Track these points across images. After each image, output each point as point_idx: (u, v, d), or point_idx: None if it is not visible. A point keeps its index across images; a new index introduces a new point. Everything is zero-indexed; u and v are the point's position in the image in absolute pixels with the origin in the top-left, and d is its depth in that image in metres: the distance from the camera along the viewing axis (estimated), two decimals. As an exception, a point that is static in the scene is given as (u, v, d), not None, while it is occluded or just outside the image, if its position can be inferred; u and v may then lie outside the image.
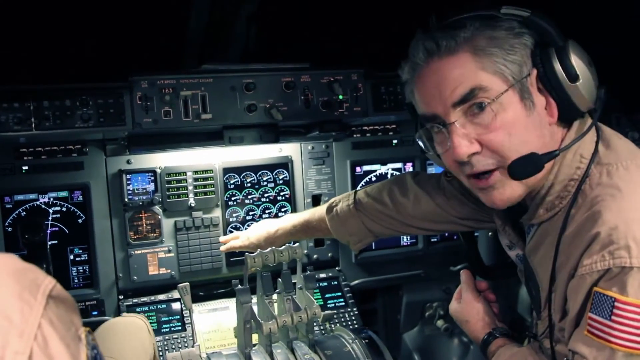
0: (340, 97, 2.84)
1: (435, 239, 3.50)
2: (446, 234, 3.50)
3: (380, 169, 3.35)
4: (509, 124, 1.72)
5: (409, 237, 3.44)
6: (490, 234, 3.15)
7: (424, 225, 2.49)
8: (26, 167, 2.82)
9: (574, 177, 1.74)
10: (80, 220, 2.92)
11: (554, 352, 1.79)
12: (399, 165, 3.38)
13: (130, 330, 2.55)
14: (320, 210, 2.71)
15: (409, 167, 3.39)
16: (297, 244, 2.79)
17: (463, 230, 2.60)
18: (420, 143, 1.95)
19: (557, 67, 1.70)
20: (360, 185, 3.29)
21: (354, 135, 3.30)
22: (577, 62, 1.70)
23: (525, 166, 1.73)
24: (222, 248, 2.98)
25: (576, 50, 1.71)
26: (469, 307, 2.23)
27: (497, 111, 1.71)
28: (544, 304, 1.84)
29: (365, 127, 3.31)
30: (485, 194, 1.82)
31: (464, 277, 2.32)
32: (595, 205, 1.64)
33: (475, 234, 3.04)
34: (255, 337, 2.60)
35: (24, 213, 2.82)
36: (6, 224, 2.80)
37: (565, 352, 1.69)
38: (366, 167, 3.33)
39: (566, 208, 1.74)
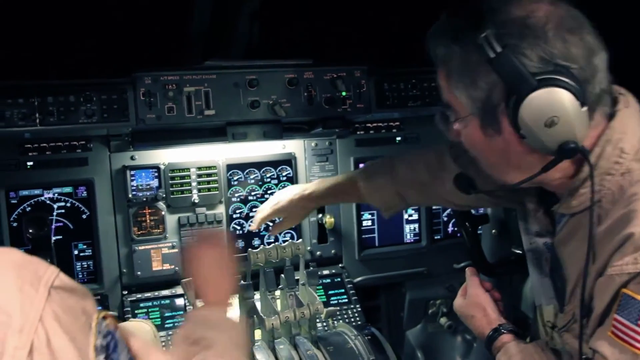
0: (344, 93, 2.84)
1: (439, 237, 3.50)
2: (449, 231, 3.50)
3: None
4: (470, 143, 1.82)
5: (412, 235, 3.44)
6: (493, 231, 3.15)
7: (457, 201, 2.46)
8: (31, 163, 2.83)
9: (611, 171, 1.69)
10: (84, 216, 2.93)
11: (581, 347, 1.77)
12: (402, 162, 3.37)
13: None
14: (353, 175, 2.68)
15: (412, 164, 3.38)
16: (300, 240, 2.80)
17: (494, 207, 2.56)
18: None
19: (507, 119, 1.66)
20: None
21: (358, 133, 3.29)
22: (529, 120, 1.61)
23: (463, 184, 2.01)
24: (253, 226, 2.90)
25: (536, 106, 1.60)
26: (474, 303, 2.20)
27: (461, 128, 1.80)
28: (569, 297, 1.80)
29: (369, 124, 3.30)
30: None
31: (469, 274, 2.31)
32: (632, 204, 1.61)
33: (479, 232, 3.04)
34: (258, 334, 2.62)
35: (29, 208, 2.84)
36: (11, 219, 2.81)
37: (585, 349, 1.67)
38: (370, 164, 3.32)
39: (601, 202, 1.70)
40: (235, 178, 3.12)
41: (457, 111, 1.78)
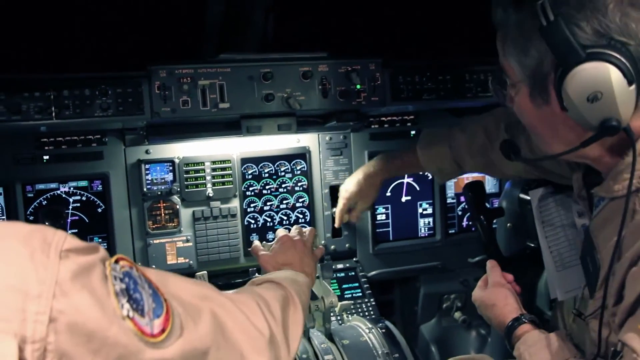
0: (358, 86, 2.83)
1: (453, 231, 3.49)
2: (464, 225, 3.49)
3: (399, 160, 3.33)
4: (520, 110, 1.81)
5: (426, 229, 3.43)
6: (509, 225, 3.13)
7: (506, 170, 2.53)
8: (47, 157, 2.85)
9: None
10: (99, 210, 2.94)
11: (600, 335, 1.75)
12: (417, 156, 3.36)
13: None
14: (413, 145, 2.78)
15: (427, 158, 3.37)
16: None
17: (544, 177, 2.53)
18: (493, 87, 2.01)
19: (553, 90, 1.65)
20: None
21: (372, 126, 3.29)
22: (572, 93, 1.59)
23: (506, 150, 1.94)
24: (337, 224, 3.12)
25: (580, 80, 1.58)
26: (496, 292, 2.18)
27: (513, 95, 1.79)
28: (601, 284, 1.75)
29: (383, 118, 3.29)
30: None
31: (490, 265, 2.30)
32: None
33: (494, 225, 3.03)
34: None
35: (45, 202, 2.85)
36: (28, 212, 2.83)
37: (614, 339, 1.64)
38: (384, 158, 3.31)
39: None
40: (249, 172, 3.12)
41: (510, 77, 1.79)
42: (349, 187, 2.97)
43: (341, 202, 3.01)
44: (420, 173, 3.36)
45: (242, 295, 1.63)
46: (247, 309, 1.51)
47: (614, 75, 1.55)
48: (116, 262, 1.11)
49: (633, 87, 1.57)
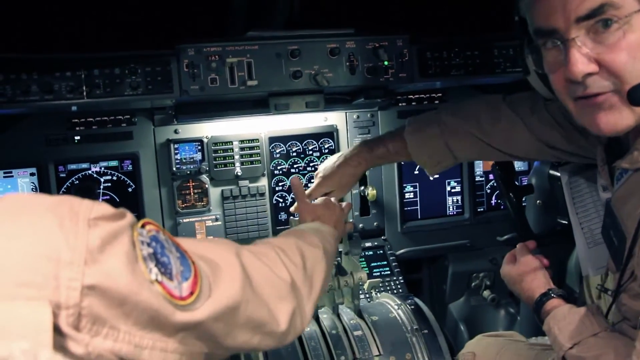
0: (386, 63, 2.80)
1: (482, 209, 3.47)
2: (492, 204, 3.47)
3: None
4: (635, 47, 1.56)
5: (455, 207, 3.42)
6: (539, 202, 3.10)
7: (510, 151, 2.37)
8: (78, 137, 2.90)
9: None
10: (130, 189, 2.98)
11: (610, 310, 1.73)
12: (445, 134, 3.34)
13: None
14: (399, 130, 2.55)
15: (455, 136, 3.35)
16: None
17: (549, 160, 2.43)
18: (528, 61, 1.84)
19: None
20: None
21: (400, 104, 3.28)
22: None
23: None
24: (292, 209, 2.73)
25: None
26: (525, 266, 2.16)
27: (625, 31, 1.55)
28: (627, 256, 1.70)
29: (411, 96, 3.28)
30: (591, 117, 1.66)
31: (521, 244, 2.28)
32: None
33: (523, 204, 3.00)
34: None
35: (77, 182, 2.90)
36: (61, 192, 2.88)
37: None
38: (412, 136, 3.30)
39: None
40: (277, 151, 3.13)
41: (623, 8, 1.54)
42: (326, 172, 2.62)
43: (315, 181, 2.66)
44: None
45: (261, 246, 1.65)
46: (268, 260, 1.54)
47: None
48: (143, 226, 1.11)
49: None
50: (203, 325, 1.16)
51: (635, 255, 1.65)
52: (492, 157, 2.53)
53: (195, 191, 3.05)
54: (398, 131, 2.55)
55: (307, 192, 2.60)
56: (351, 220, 3.16)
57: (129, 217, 1.09)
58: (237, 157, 3.07)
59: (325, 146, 3.20)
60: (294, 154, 3.17)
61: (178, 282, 1.11)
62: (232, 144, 3.06)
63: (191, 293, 1.13)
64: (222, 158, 3.06)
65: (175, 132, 3.01)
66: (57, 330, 0.92)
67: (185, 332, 1.13)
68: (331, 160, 2.66)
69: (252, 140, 3.09)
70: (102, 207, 1.04)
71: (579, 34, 1.58)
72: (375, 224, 3.31)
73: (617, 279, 1.77)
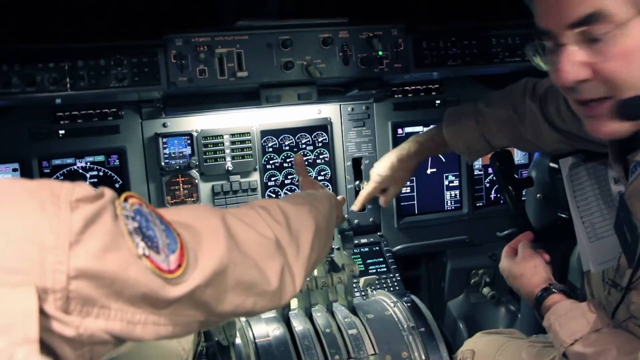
0: (380, 53, 2.73)
1: (481, 204, 3.40)
2: (491, 198, 3.39)
3: (423, 130, 3.24)
4: (629, 54, 1.50)
5: (453, 202, 3.34)
6: (539, 195, 3.02)
7: (539, 143, 2.40)
8: (63, 132, 2.82)
9: None
10: (117, 185, 2.89)
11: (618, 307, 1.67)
12: (442, 126, 3.26)
13: None
14: (440, 124, 2.66)
15: (452, 128, 3.27)
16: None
17: (576, 148, 2.38)
18: (530, 54, 1.76)
19: None
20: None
21: (395, 96, 3.20)
22: None
23: (637, 107, 1.54)
24: (355, 207, 3.01)
25: None
26: (525, 261, 2.10)
27: (619, 39, 1.49)
28: None
29: (407, 87, 3.21)
30: (588, 123, 1.63)
31: (521, 237, 2.21)
32: None
33: (523, 197, 2.93)
34: (294, 303, 2.55)
35: (62, 177, 2.81)
36: (44, 188, 2.79)
37: None
38: (408, 129, 3.23)
39: None
40: (269, 144, 3.05)
41: (617, 15, 1.48)
42: (381, 170, 2.83)
43: (372, 185, 2.88)
44: (446, 145, 3.26)
45: (243, 208, 1.63)
46: (249, 219, 1.52)
47: None
48: (125, 200, 1.10)
49: None
50: (193, 294, 1.16)
51: None
52: (527, 147, 2.57)
53: (185, 187, 2.97)
54: (440, 124, 2.66)
55: (364, 192, 2.92)
56: (346, 216, 3.09)
57: (109, 193, 1.07)
58: (227, 151, 2.99)
59: (319, 140, 3.11)
60: (287, 147, 3.08)
61: (165, 255, 1.10)
62: (222, 138, 2.98)
63: (179, 266, 1.12)
64: (212, 152, 2.97)
65: (164, 125, 2.93)
66: (44, 315, 0.92)
67: (176, 304, 1.13)
68: (385, 159, 2.82)
69: (244, 134, 3.01)
70: (83, 189, 1.03)
71: (572, 40, 1.53)
72: (371, 219, 3.23)
73: (628, 275, 1.71)
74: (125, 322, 1.04)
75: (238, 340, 2.26)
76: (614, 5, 1.47)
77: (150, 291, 1.06)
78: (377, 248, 3.20)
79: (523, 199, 2.94)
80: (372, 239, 3.22)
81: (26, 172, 2.76)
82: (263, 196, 3.06)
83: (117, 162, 2.88)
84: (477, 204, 3.38)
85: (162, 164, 2.91)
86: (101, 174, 2.87)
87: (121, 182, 2.89)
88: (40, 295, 0.91)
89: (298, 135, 3.09)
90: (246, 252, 1.39)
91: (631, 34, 1.48)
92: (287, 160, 3.09)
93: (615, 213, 1.85)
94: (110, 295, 1.01)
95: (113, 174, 2.88)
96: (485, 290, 3.46)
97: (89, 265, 0.96)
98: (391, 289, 3.05)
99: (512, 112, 2.40)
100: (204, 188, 2.99)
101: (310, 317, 2.47)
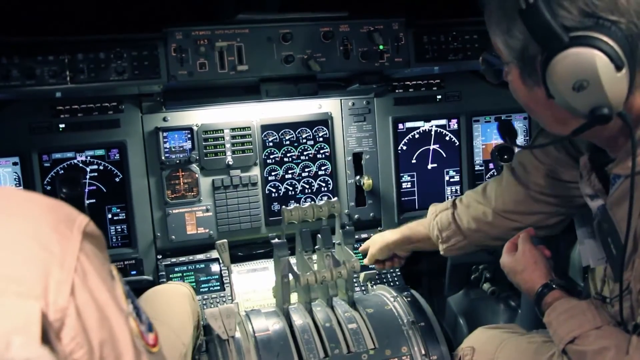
0: (381, 47, 2.72)
1: (481, 199, 3.38)
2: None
3: (424, 125, 3.23)
4: (513, 90, 1.72)
5: (454, 197, 3.32)
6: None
7: (512, 217, 2.38)
8: (63, 125, 2.81)
9: None
10: (117, 179, 2.89)
11: (623, 316, 1.67)
12: (443, 122, 3.25)
13: (174, 296, 2.52)
14: (435, 238, 2.69)
15: (453, 123, 3.26)
16: (335, 198, 2.71)
17: (553, 215, 2.40)
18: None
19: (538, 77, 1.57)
20: (402, 142, 3.21)
21: (396, 91, 3.19)
22: (557, 81, 1.50)
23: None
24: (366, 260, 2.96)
25: (564, 67, 1.48)
26: (526, 257, 2.08)
27: (506, 74, 1.70)
28: (627, 265, 1.67)
29: (408, 82, 3.19)
30: None
31: (522, 233, 2.21)
32: None
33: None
34: (294, 297, 2.55)
35: (62, 171, 2.81)
36: (45, 182, 2.79)
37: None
38: (409, 124, 3.22)
39: None
40: (270, 139, 3.04)
41: (501, 56, 1.69)
42: (381, 249, 2.84)
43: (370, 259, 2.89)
44: (447, 139, 3.26)
45: None
46: None
47: (600, 61, 1.44)
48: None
49: (623, 72, 1.46)
50: None
51: (634, 267, 1.63)
52: (497, 231, 2.50)
53: (185, 181, 2.96)
54: (434, 236, 2.69)
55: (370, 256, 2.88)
56: (346, 211, 3.08)
57: (107, 254, 1.09)
58: (228, 145, 2.98)
59: (320, 134, 3.10)
60: (287, 142, 3.07)
61: (146, 328, 1.11)
62: (223, 132, 2.97)
63: (154, 345, 1.12)
64: (212, 147, 2.96)
65: (164, 119, 2.92)
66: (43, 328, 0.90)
67: None
68: (388, 238, 2.83)
69: (244, 129, 3.00)
70: (95, 227, 1.05)
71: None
72: (371, 214, 3.22)
73: (613, 288, 1.77)
74: None
75: (237, 334, 2.26)
76: (497, 45, 1.68)
77: (132, 351, 1.02)
78: (378, 243, 3.18)
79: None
80: (372, 234, 3.20)
81: (26, 166, 2.75)
82: (263, 190, 3.05)
83: (117, 156, 2.88)
84: (478, 200, 3.36)
85: (163, 158, 2.90)
86: (101, 168, 2.86)
87: (121, 176, 2.88)
88: (43, 310, 0.89)
89: (298, 129, 3.08)
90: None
91: (512, 77, 1.68)
92: (288, 154, 3.08)
93: (597, 227, 1.87)
94: (95, 339, 0.97)
95: (113, 168, 2.88)
96: (486, 285, 3.44)
97: (86, 298, 0.95)
98: (391, 283, 3.04)
99: (483, 191, 2.47)
100: (204, 182, 2.98)
101: (310, 312, 2.46)
